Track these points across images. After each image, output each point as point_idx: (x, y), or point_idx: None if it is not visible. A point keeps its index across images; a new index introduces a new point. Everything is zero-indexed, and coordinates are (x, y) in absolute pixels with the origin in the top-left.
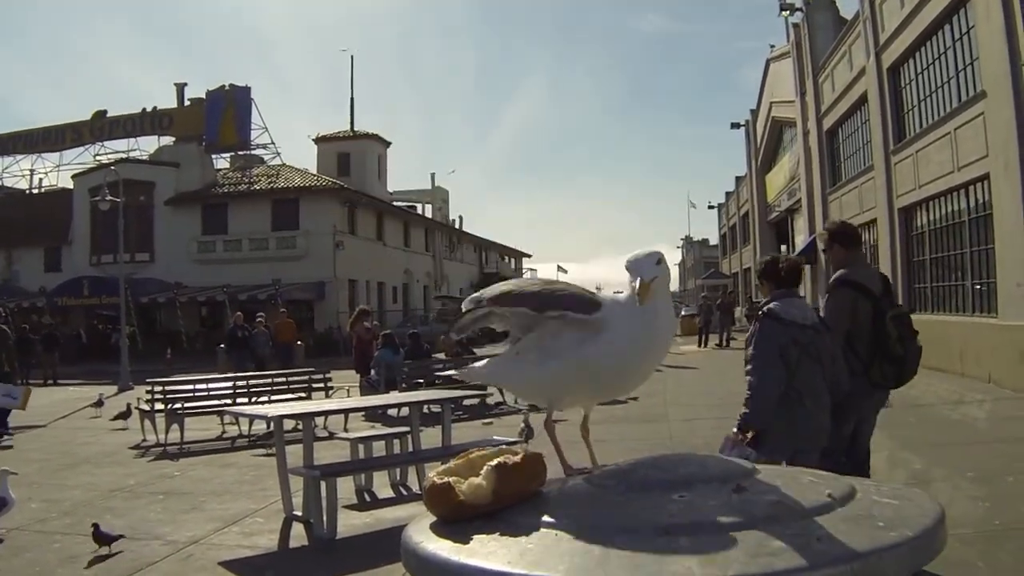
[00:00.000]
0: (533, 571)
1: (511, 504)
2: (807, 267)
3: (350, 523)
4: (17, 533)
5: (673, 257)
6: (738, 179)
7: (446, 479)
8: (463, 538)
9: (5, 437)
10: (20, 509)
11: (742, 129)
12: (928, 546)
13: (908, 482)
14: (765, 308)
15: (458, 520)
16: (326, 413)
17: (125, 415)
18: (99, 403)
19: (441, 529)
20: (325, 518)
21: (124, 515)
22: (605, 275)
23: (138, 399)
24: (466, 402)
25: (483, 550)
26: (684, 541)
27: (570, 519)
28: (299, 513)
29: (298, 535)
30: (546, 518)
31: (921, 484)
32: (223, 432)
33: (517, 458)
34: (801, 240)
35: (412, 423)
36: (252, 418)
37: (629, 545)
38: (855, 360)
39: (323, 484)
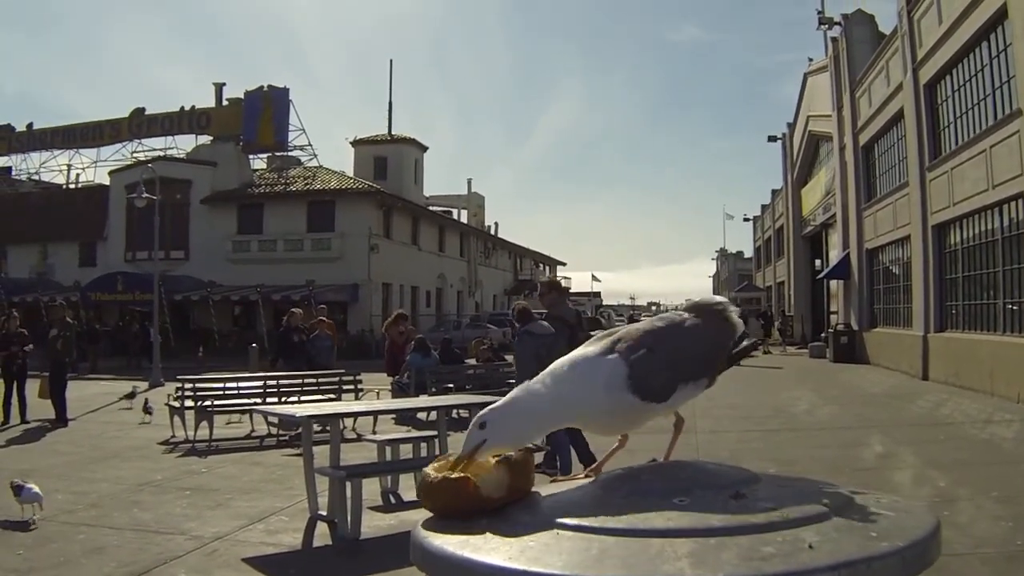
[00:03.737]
0: (531, 567)
1: (510, 501)
2: (842, 283)
3: (374, 524)
4: (43, 524)
5: (707, 268)
6: (774, 192)
7: (460, 473)
8: (467, 533)
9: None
10: (47, 500)
11: (779, 142)
12: (919, 557)
13: (933, 500)
14: (523, 328)
15: (460, 515)
16: (354, 415)
17: (147, 410)
18: (132, 395)
19: (447, 525)
20: (349, 518)
21: (150, 509)
22: (641, 285)
23: (168, 395)
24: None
25: (486, 546)
26: (679, 543)
27: (572, 519)
28: (324, 513)
29: (322, 534)
30: (549, 518)
31: (945, 502)
32: (252, 431)
33: (518, 455)
34: (835, 255)
35: (439, 427)
36: (281, 418)
37: (626, 546)
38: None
39: (348, 484)
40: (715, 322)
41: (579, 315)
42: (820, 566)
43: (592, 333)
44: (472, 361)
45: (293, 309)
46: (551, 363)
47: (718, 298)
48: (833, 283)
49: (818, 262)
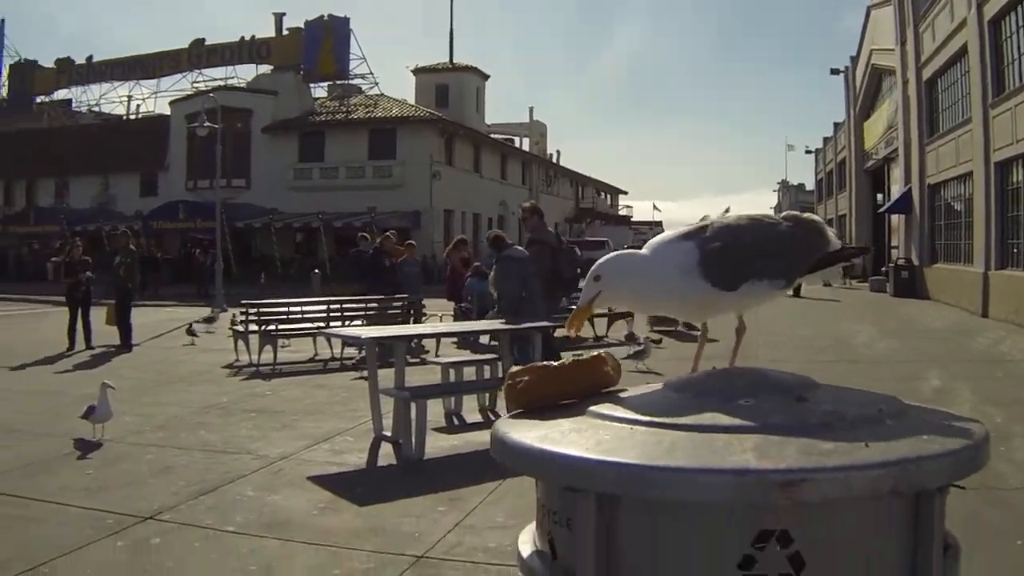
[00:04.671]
0: (608, 456)
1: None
2: (903, 218)
3: (438, 445)
4: (112, 445)
5: (768, 200)
6: (836, 125)
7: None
8: (545, 430)
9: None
10: (115, 423)
11: (842, 75)
12: (969, 460)
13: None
14: (503, 254)
15: (579, 396)
16: (418, 337)
17: (192, 332)
18: (211, 319)
19: (525, 422)
20: (414, 439)
21: (216, 431)
22: (701, 215)
23: (231, 320)
24: (556, 332)
25: (563, 440)
26: (744, 438)
27: (644, 416)
28: (388, 434)
29: (386, 455)
30: (622, 415)
31: (1001, 438)
32: (315, 355)
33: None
34: (897, 190)
35: (502, 350)
36: (345, 341)
37: (695, 440)
38: (538, 285)
39: (413, 405)
40: (806, 232)
41: (559, 238)
42: (874, 462)
43: (572, 251)
44: None
45: (387, 233)
46: (531, 284)
47: (816, 217)
48: (894, 217)
49: (880, 196)
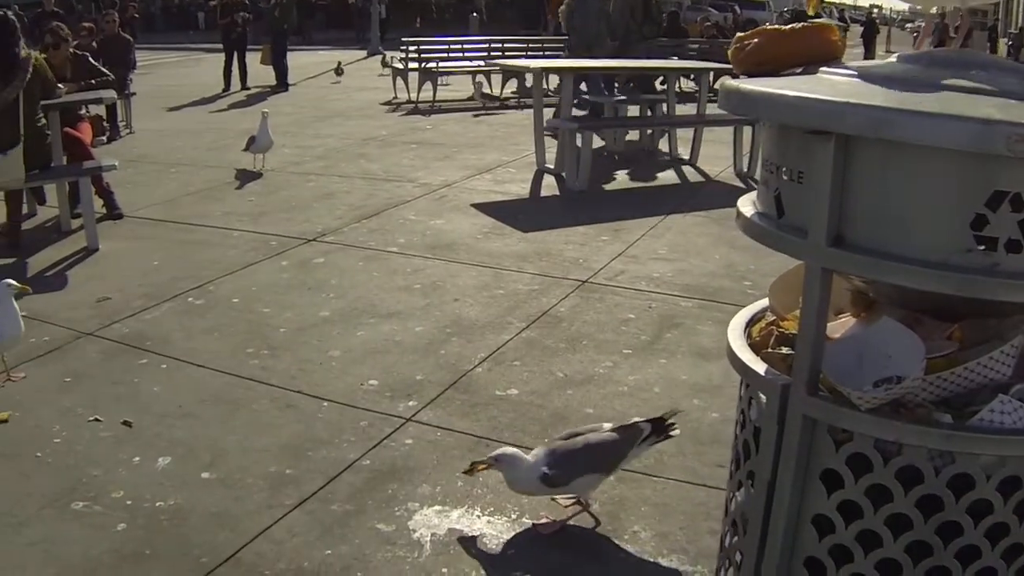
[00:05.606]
0: (854, 99)
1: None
2: None
3: (600, 180)
4: (273, 175)
5: None
6: None
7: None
8: (780, 82)
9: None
10: (275, 154)
11: None
12: None
13: None
14: None
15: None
16: (587, 70)
17: (339, 71)
18: (386, 64)
19: (754, 80)
20: (578, 171)
21: (377, 160)
22: None
23: (390, 58)
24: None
25: (803, 88)
26: (984, 99)
27: (882, 74)
28: (551, 166)
29: (548, 186)
30: (858, 73)
31: None
32: (474, 93)
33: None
34: None
35: (668, 89)
36: (511, 71)
37: (937, 94)
38: (633, 23)
39: (579, 136)
40: None
41: None
42: None
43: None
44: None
45: None
46: (603, 23)
47: None
48: None
49: None
